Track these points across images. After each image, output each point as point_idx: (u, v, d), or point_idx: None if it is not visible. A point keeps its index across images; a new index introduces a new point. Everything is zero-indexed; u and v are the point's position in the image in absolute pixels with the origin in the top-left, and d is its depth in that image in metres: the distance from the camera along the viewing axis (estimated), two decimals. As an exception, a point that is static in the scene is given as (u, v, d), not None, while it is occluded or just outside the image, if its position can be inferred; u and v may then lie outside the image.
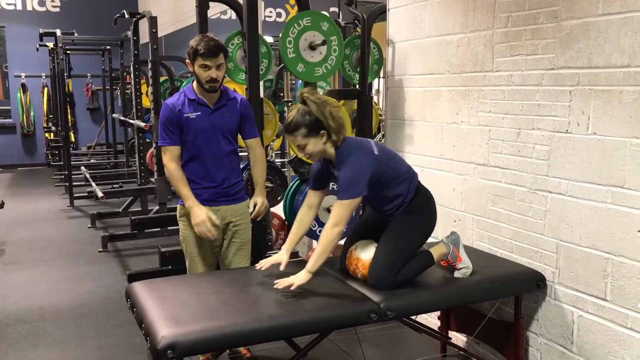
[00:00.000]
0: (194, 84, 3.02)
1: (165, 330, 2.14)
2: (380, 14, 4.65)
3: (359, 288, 2.59)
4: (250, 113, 3.16)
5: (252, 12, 3.68)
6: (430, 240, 3.54)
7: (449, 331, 3.40)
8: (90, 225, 6.89)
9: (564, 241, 2.73)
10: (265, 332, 2.27)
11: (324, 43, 3.71)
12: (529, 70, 2.86)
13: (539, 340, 2.92)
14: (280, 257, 2.65)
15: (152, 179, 7.42)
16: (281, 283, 2.44)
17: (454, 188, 3.43)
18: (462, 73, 3.30)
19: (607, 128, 2.49)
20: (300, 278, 2.44)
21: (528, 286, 2.80)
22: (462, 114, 3.32)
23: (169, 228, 5.93)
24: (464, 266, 2.64)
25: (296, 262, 2.82)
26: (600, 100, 2.51)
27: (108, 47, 10.31)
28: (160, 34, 6.29)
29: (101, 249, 5.82)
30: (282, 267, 2.59)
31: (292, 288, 2.41)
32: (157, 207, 6.09)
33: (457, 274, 2.65)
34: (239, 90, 6.79)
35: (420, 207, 2.63)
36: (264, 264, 2.67)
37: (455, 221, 3.44)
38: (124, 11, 6.25)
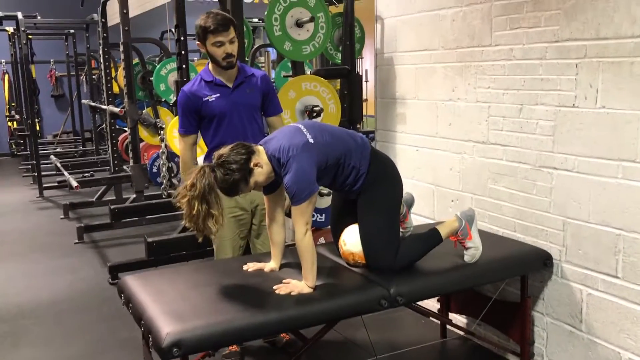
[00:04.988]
0: (210, 65, 2.88)
1: (168, 327, 2.00)
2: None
3: (365, 274, 2.49)
4: (272, 88, 3.03)
5: (236, -11, 3.50)
6: (422, 220, 3.49)
7: (449, 313, 3.33)
8: (63, 216, 6.63)
9: (571, 218, 2.66)
10: (275, 324, 2.16)
11: (311, 20, 3.57)
12: (531, 43, 2.77)
13: (545, 319, 2.86)
14: (270, 267, 2.54)
15: (126, 167, 7.20)
16: (282, 289, 2.30)
17: (451, 167, 3.34)
18: (458, 48, 3.19)
19: (617, 101, 2.42)
20: (302, 288, 2.29)
21: (535, 265, 2.74)
22: (459, 91, 3.22)
23: (147, 217, 5.75)
24: (473, 246, 2.54)
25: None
26: (609, 72, 2.44)
27: (72, 30, 9.91)
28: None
29: (77, 241, 5.60)
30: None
31: (292, 294, 2.28)
32: (134, 196, 5.88)
33: (466, 257, 2.56)
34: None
35: (379, 176, 2.47)
36: (251, 266, 2.56)
37: (452, 201, 3.36)
38: (92, -9, 5.96)
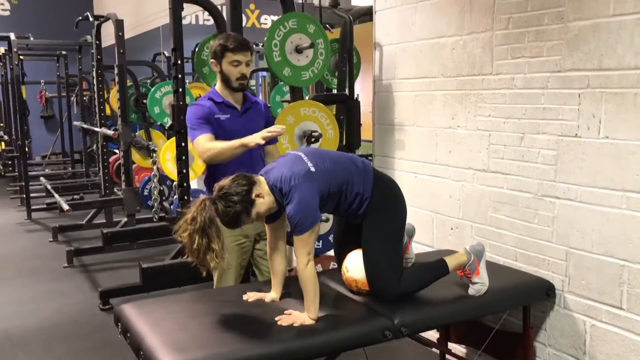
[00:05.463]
0: (217, 87, 2.89)
1: (169, 358, 1.95)
2: (360, 16, 4.54)
3: (368, 303, 2.45)
4: (271, 117, 3.05)
5: (235, 12, 3.50)
6: (421, 248, 3.46)
7: (449, 343, 3.28)
8: (51, 239, 6.51)
9: (574, 248, 2.65)
10: (277, 356, 2.09)
11: (312, 46, 3.56)
12: (532, 73, 2.78)
13: (547, 350, 2.83)
14: (271, 297, 2.49)
15: (117, 189, 7.12)
16: (284, 320, 2.25)
17: (450, 194, 3.32)
18: (458, 76, 3.20)
19: (620, 131, 2.42)
20: (304, 320, 2.24)
21: (538, 296, 2.71)
22: (459, 119, 3.22)
23: (139, 241, 5.67)
24: (480, 282, 2.51)
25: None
26: (612, 103, 2.44)
27: (64, 52, 9.87)
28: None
29: (66, 265, 5.48)
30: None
31: (294, 325, 2.23)
32: (125, 219, 5.80)
33: (470, 291, 2.52)
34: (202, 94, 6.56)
35: (383, 200, 2.44)
36: (251, 296, 2.50)
37: (452, 229, 3.33)
38: (87, 14, 5.95)
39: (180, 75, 4.42)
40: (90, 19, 5.90)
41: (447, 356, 3.29)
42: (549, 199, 2.75)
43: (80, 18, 6.25)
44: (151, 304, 2.52)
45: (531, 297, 2.73)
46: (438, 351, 3.32)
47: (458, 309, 2.51)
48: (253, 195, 2.23)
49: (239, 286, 2.80)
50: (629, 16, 2.36)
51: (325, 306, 2.35)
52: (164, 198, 6.53)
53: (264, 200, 2.26)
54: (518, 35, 2.84)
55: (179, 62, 4.39)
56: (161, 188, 6.20)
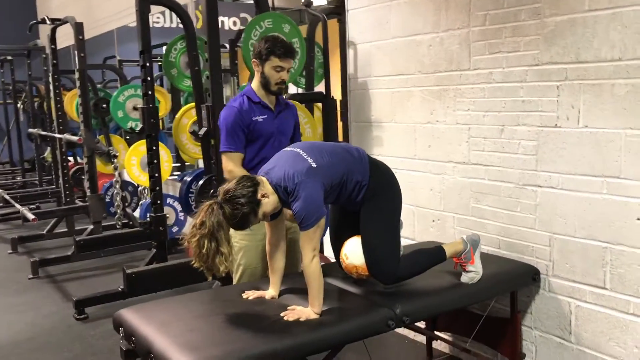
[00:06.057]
0: (254, 85, 2.88)
1: (184, 358, 1.94)
2: (327, 15, 4.58)
3: (368, 295, 2.51)
4: (298, 120, 3.07)
5: (212, 14, 3.49)
6: (402, 241, 3.53)
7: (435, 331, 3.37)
8: (11, 251, 6.28)
9: (558, 234, 2.77)
10: (289, 350, 2.12)
11: (289, 45, 3.58)
12: (510, 67, 2.89)
13: (534, 333, 2.95)
14: (271, 294, 2.52)
15: (77, 198, 6.95)
16: (289, 315, 2.28)
17: (431, 188, 3.41)
18: (436, 73, 3.29)
19: (599, 120, 2.56)
20: (308, 314, 2.28)
21: (524, 281, 2.83)
22: (438, 114, 3.31)
23: (105, 249, 5.55)
24: (474, 270, 2.61)
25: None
26: (590, 93, 2.58)
27: (9, 57, 9.51)
28: (68, 43, 5.77)
29: (32, 276, 5.31)
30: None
31: (300, 320, 2.26)
32: (92, 227, 5.67)
33: (463, 278, 2.62)
34: (163, 99, 6.47)
35: (380, 186, 2.52)
36: (250, 294, 2.52)
37: (433, 221, 3.43)
38: (45, 17, 5.77)
39: (149, 78, 4.38)
40: (48, 22, 5.72)
41: (434, 344, 3.37)
42: (530, 187, 2.87)
43: (35, 22, 6.05)
44: (151, 307, 2.50)
45: (519, 283, 2.84)
46: (425, 341, 3.41)
47: (454, 296, 2.60)
48: (259, 196, 2.25)
49: (236, 285, 2.80)
50: (603, 11, 2.50)
51: (327, 300, 2.39)
52: (126, 204, 6.42)
53: (269, 200, 2.28)
54: (495, 31, 2.95)
55: (147, 64, 4.35)
56: (123, 194, 6.09)
